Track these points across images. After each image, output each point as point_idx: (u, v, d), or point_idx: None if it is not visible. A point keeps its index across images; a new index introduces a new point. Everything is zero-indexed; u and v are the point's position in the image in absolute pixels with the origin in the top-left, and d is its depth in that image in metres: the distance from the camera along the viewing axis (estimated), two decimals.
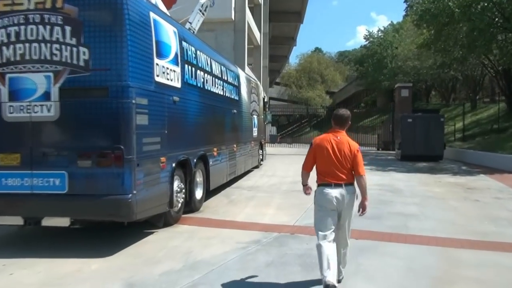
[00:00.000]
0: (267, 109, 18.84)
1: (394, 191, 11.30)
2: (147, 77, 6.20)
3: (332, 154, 4.59)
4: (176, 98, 7.21)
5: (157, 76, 6.51)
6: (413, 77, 35.60)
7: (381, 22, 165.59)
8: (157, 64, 6.51)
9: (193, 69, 8.22)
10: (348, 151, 4.61)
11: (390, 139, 25.83)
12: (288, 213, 8.63)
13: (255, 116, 15.09)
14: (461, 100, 40.57)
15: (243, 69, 24.05)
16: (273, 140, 35.49)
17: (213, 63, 9.76)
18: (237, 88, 12.24)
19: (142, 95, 6.02)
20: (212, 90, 9.52)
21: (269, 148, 27.26)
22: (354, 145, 4.69)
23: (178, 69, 7.38)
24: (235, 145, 11.84)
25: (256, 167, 16.14)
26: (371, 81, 44.66)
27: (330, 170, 4.61)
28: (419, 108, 25.00)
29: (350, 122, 4.84)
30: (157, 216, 6.81)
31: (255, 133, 15.13)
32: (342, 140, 4.66)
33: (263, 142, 17.03)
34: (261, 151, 16.65)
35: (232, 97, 11.60)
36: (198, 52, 8.57)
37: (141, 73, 6.03)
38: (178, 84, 7.37)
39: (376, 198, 10.29)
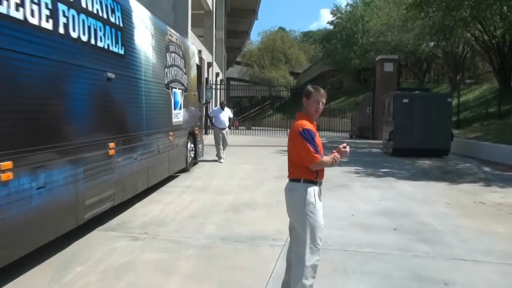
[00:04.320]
0: (205, 84, 12.64)
1: (426, 239, 5.38)
2: None
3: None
4: None
5: None
6: (386, 55, 30.02)
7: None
8: None
9: None
10: (290, 136, 3.39)
11: (368, 124, 20.09)
12: None
13: (177, 91, 8.87)
14: (437, 81, 35.51)
15: (186, 36, 17.65)
16: (229, 125, 29.21)
17: None
18: (122, 32, 6.00)
19: None
20: None
21: None
22: (296, 126, 3.31)
23: None
24: (112, 145, 5.64)
25: (184, 170, 9.99)
26: (339, 59, 38.87)
27: None
28: (406, 87, 19.32)
29: (303, 98, 3.40)
30: None
31: (177, 118, 8.92)
32: (292, 123, 3.47)
33: (196, 132, 10.83)
34: (192, 145, 10.46)
35: (101, 45, 5.36)
36: None
37: None
38: None
39: (405, 269, 4.35)
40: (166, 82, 8.13)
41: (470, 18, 14.22)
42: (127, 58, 6.21)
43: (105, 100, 5.57)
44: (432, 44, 21.92)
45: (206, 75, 22.30)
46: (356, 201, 7.39)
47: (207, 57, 24.05)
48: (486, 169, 11.11)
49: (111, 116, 5.72)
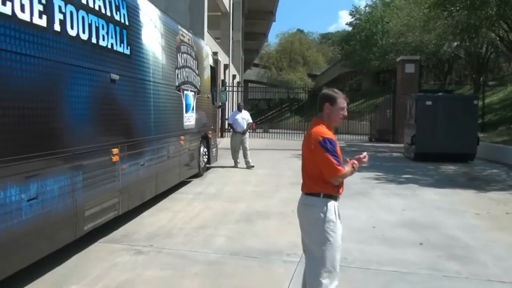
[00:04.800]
0: (220, 86, 12.19)
1: (456, 256, 4.86)
2: None
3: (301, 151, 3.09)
4: None
5: None
6: (407, 55, 29.16)
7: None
8: None
9: None
10: (307, 146, 2.97)
11: (388, 127, 19.45)
12: None
13: (189, 93, 8.50)
14: (459, 83, 34.51)
15: (202, 37, 17.37)
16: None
17: None
18: (128, 31, 5.64)
19: None
20: None
21: None
22: (315, 135, 2.91)
23: None
24: (115, 150, 5.27)
25: (197, 175, 9.62)
26: (358, 61, 38.14)
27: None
28: (428, 89, 18.58)
29: (325, 103, 2.97)
30: None
31: (189, 122, 8.55)
32: (309, 131, 3.01)
33: (210, 136, 10.44)
34: (205, 149, 10.07)
35: (104, 44, 5.00)
36: None
37: None
38: None
39: None
40: (177, 84, 7.76)
41: (496, 17, 13.52)
42: (134, 59, 5.85)
43: (108, 103, 5.21)
44: (455, 44, 21.15)
45: (222, 77, 21.98)
46: (377, 211, 6.89)
47: (223, 59, 23.73)
48: None
49: (114, 120, 5.36)
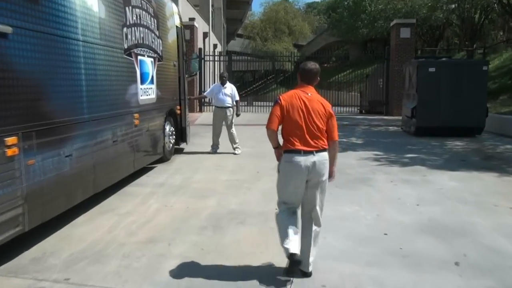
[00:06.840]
0: (197, 53, 10.13)
1: None
2: None
3: (302, 115, 3.34)
4: None
5: None
6: (402, 19, 27.28)
7: None
8: None
9: None
10: (322, 110, 3.38)
11: (381, 98, 17.74)
12: None
13: (146, 59, 6.65)
14: (449, 51, 32.86)
15: (176, 2, 15.27)
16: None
17: None
18: None
19: None
20: None
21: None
22: (328, 104, 3.44)
23: None
24: (11, 140, 3.50)
25: (163, 159, 7.89)
26: (345, 29, 36.10)
27: (300, 134, 3.33)
28: (424, 55, 16.88)
29: (319, 78, 3.51)
30: None
31: (146, 95, 6.73)
32: (313, 97, 3.41)
33: (178, 112, 8.61)
34: (171, 128, 8.27)
35: None
36: None
37: None
38: None
39: None
40: (126, 46, 5.91)
41: None
42: (44, 6, 4.01)
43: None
44: (453, 6, 19.34)
45: (201, 46, 19.96)
46: (385, 207, 5.26)
47: (203, 26, 21.64)
48: None
49: (6, 94, 3.55)
